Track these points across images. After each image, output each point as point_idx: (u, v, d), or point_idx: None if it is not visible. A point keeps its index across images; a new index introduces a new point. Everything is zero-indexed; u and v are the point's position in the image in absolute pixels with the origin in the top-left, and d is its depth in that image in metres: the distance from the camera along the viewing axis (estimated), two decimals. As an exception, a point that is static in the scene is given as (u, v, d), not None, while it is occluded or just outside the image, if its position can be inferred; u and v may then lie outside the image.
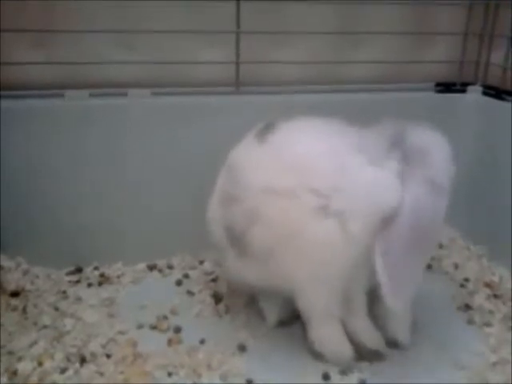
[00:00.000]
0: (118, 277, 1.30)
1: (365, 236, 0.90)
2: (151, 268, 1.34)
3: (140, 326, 1.12)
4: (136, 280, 1.29)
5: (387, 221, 0.90)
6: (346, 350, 1.01)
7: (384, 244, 0.90)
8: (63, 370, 0.97)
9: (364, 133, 0.98)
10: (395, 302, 0.90)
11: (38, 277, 1.25)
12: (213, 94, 1.34)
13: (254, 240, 0.95)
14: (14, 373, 0.96)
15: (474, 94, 1.46)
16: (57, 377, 0.96)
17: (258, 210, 0.94)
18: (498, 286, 1.27)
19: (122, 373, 0.98)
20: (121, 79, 1.32)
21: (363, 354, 1.02)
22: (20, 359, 0.99)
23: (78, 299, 1.19)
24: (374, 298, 1.01)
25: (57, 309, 1.15)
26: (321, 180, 0.92)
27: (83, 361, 1.00)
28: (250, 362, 1.02)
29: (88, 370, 0.98)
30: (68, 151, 1.25)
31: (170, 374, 0.98)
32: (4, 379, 0.94)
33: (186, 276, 1.31)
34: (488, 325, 1.14)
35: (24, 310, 1.13)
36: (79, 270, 1.30)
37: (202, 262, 1.36)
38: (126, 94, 1.28)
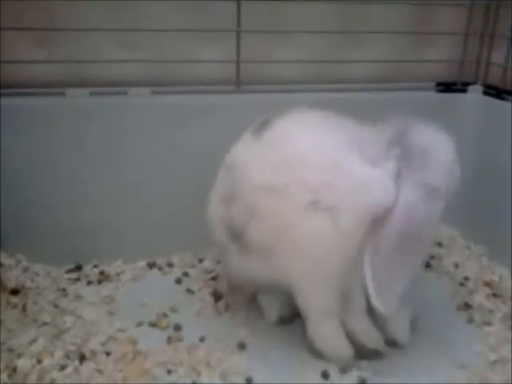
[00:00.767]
0: (118, 274, 1.30)
1: (356, 232, 0.90)
2: (151, 266, 1.34)
3: (140, 324, 1.12)
4: (136, 278, 1.29)
5: (378, 221, 0.90)
6: (345, 349, 1.01)
7: (373, 245, 0.90)
8: (62, 368, 0.97)
9: (364, 129, 0.98)
10: (379, 303, 0.90)
11: (37, 274, 1.25)
12: (213, 93, 1.34)
13: (252, 236, 0.95)
14: (14, 370, 0.96)
15: (475, 93, 1.46)
16: (56, 374, 0.96)
17: (256, 206, 0.94)
18: (497, 285, 1.27)
19: (121, 370, 0.98)
20: (121, 78, 1.32)
21: (362, 353, 1.02)
22: (19, 356, 0.99)
23: (78, 297, 1.19)
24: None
25: (56, 306, 1.15)
26: (312, 175, 0.92)
27: (83, 358, 1.00)
28: (250, 360, 1.02)
29: (87, 367, 0.98)
30: (68, 149, 1.25)
31: (169, 372, 0.98)
32: (4, 376, 0.94)
33: (186, 274, 1.31)
34: (488, 324, 1.14)
35: (24, 308, 1.13)
36: (79, 268, 1.30)
37: (201, 260, 1.36)
38: (126, 93, 1.29)
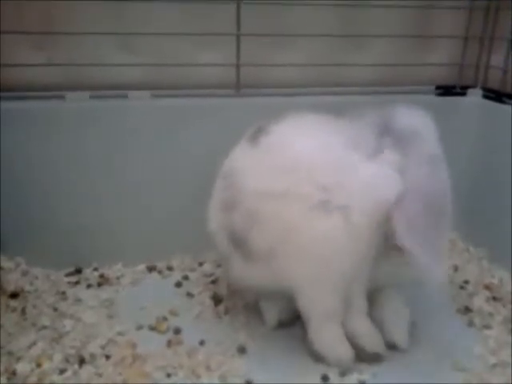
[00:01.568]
0: (118, 278, 1.30)
1: (367, 230, 0.91)
2: (151, 269, 1.34)
3: (139, 327, 1.12)
4: (135, 281, 1.29)
5: (388, 215, 0.90)
6: (345, 352, 1.01)
7: (404, 226, 0.89)
8: (62, 371, 0.97)
9: (353, 125, 0.99)
10: (433, 271, 0.89)
11: (37, 278, 1.25)
12: (213, 97, 1.34)
13: (255, 242, 0.95)
14: (13, 373, 0.95)
15: (474, 96, 1.47)
16: (55, 378, 0.96)
17: (257, 211, 0.94)
18: (497, 288, 1.27)
19: (120, 374, 0.98)
20: (121, 81, 1.32)
21: (363, 356, 1.02)
22: (19, 360, 0.99)
23: (78, 300, 1.19)
24: (372, 299, 1.02)
25: (56, 310, 1.15)
26: (321, 175, 0.92)
27: (82, 362, 1.00)
28: (250, 364, 1.02)
29: (87, 371, 0.98)
30: (68, 152, 1.25)
31: (169, 376, 0.98)
32: (3, 380, 0.94)
33: (186, 277, 1.31)
34: (488, 327, 1.14)
35: (23, 311, 1.13)
36: (79, 271, 1.30)
37: (201, 264, 1.36)
38: (126, 96, 1.29)
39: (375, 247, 0.94)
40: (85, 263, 1.32)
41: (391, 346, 1.05)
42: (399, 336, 1.05)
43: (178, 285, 1.28)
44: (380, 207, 0.91)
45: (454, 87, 1.50)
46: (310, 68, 1.42)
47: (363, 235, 0.92)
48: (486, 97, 1.44)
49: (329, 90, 1.42)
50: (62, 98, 1.25)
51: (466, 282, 1.31)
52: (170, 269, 1.35)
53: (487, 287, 1.27)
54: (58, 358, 1.00)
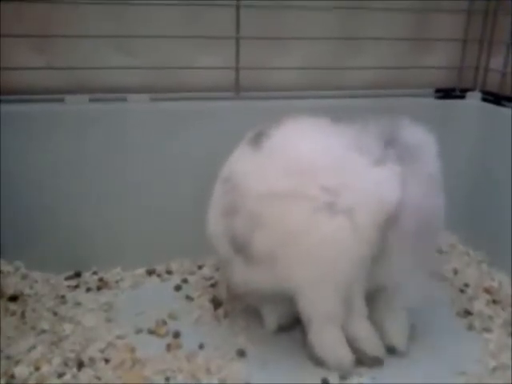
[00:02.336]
0: (117, 281, 1.29)
1: (372, 232, 0.91)
2: (150, 273, 1.34)
3: (139, 331, 1.12)
4: (135, 285, 1.29)
5: (390, 219, 0.91)
6: (345, 355, 1.00)
7: (394, 242, 0.91)
8: (61, 375, 0.97)
9: (357, 132, 0.99)
10: (410, 297, 0.92)
11: (36, 281, 1.24)
12: (212, 99, 1.34)
13: (258, 245, 0.95)
14: (12, 377, 0.95)
15: (474, 99, 1.47)
16: (54, 381, 0.95)
17: (261, 214, 0.94)
18: (497, 291, 1.27)
19: (120, 378, 0.97)
20: (120, 84, 1.32)
21: (363, 360, 1.02)
22: (17, 363, 0.98)
23: (77, 304, 1.19)
24: (371, 302, 1.01)
25: (55, 313, 1.15)
26: (326, 177, 0.92)
27: (81, 365, 0.99)
28: (249, 367, 1.02)
29: (86, 374, 0.97)
30: (68, 155, 1.25)
31: (168, 379, 0.98)
32: (2, 383, 0.94)
33: (185, 281, 1.31)
34: (488, 330, 1.14)
35: (22, 315, 1.13)
36: (78, 275, 1.30)
37: (200, 267, 1.36)
38: (125, 99, 1.29)
39: (376, 248, 0.94)
40: (84, 267, 1.31)
41: (390, 350, 1.04)
42: (399, 339, 1.05)
43: (178, 288, 1.28)
44: (384, 209, 0.91)
45: (453, 90, 1.50)
46: (309, 71, 1.42)
47: (367, 236, 0.92)
48: (485, 100, 1.44)
49: (328, 93, 1.43)
50: (61, 100, 1.25)
51: (466, 285, 1.31)
52: (169, 272, 1.35)
53: (487, 290, 1.27)
54: (56, 361, 1.00)
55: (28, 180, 1.24)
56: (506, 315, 1.18)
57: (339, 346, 1.00)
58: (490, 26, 1.45)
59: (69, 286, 1.26)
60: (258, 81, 1.39)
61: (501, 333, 1.13)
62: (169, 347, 1.07)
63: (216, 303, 1.21)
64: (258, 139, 1.00)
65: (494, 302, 1.23)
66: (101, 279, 1.29)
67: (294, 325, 1.10)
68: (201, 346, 1.07)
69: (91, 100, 1.27)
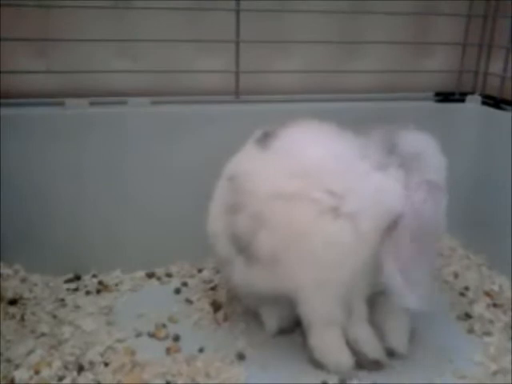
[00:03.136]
0: (117, 285, 1.29)
1: (374, 237, 0.91)
2: (150, 276, 1.34)
3: (138, 334, 1.12)
4: (134, 288, 1.29)
5: (392, 225, 0.91)
6: (345, 359, 1.00)
7: (393, 249, 0.90)
8: (60, 379, 0.96)
9: (362, 138, 0.99)
10: (410, 301, 0.90)
11: (36, 284, 1.24)
12: (212, 103, 1.34)
13: (260, 246, 0.95)
14: (11, 381, 0.95)
15: (473, 103, 1.47)
16: (54, 385, 0.95)
17: (266, 215, 0.94)
18: (497, 295, 1.27)
19: (119, 381, 0.97)
20: (121, 88, 1.32)
21: (363, 363, 1.02)
22: (17, 367, 0.98)
23: (77, 307, 1.19)
24: (371, 305, 1.01)
25: (55, 317, 1.15)
26: (332, 181, 0.93)
27: (81, 369, 0.99)
28: (249, 371, 1.02)
29: (86, 378, 0.97)
30: (68, 159, 1.25)
31: (168, 383, 0.97)
32: (1, 387, 0.94)
33: (185, 284, 1.31)
34: (488, 334, 1.14)
35: (22, 318, 1.13)
36: (78, 278, 1.30)
37: (200, 271, 1.36)
38: (125, 103, 1.29)
39: (378, 254, 0.94)
40: (84, 270, 1.31)
41: (391, 353, 1.04)
42: (399, 342, 1.04)
43: (177, 291, 1.28)
44: (387, 214, 0.91)
45: (452, 94, 1.50)
46: (308, 75, 1.43)
47: (369, 241, 0.92)
48: (484, 103, 1.44)
49: (328, 96, 1.43)
50: (61, 104, 1.25)
51: (466, 288, 1.30)
52: (169, 275, 1.34)
53: (487, 294, 1.27)
54: (56, 365, 0.99)
55: (28, 183, 1.24)
56: (506, 319, 1.18)
57: (339, 348, 1.00)
58: (490, 30, 1.45)
59: (68, 289, 1.26)
60: (258, 84, 1.40)
61: (501, 336, 1.13)
62: (168, 350, 1.07)
63: (216, 306, 1.21)
64: (265, 139, 1.00)
65: (495, 305, 1.23)
66: (100, 282, 1.29)
67: (293, 328, 1.10)
68: (200, 350, 1.07)
69: (91, 104, 1.27)
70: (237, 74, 1.34)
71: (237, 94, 1.35)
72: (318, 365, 1.01)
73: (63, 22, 1.25)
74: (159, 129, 1.29)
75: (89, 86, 1.31)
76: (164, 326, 1.15)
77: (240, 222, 0.97)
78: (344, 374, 1.00)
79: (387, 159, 0.95)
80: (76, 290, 1.26)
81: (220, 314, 1.18)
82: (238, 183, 0.99)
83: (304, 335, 1.03)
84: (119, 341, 1.09)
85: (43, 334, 1.08)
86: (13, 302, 1.17)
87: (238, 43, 1.31)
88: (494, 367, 1.04)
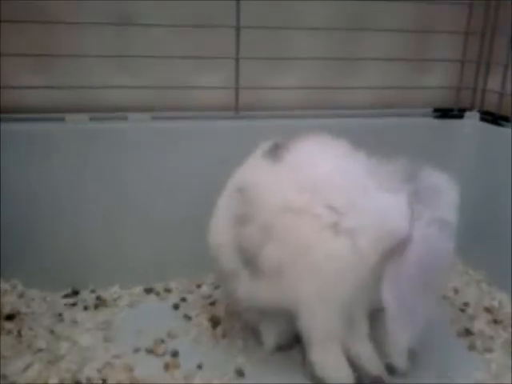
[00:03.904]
0: (115, 300, 1.29)
1: (374, 256, 0.91)
2: (148, 291, 1.33)
3: (136, 350, 1.11)
4: (133, 303, 1.28)
5: (394, 247, 0.90)
6: (346, 375, 0.99)
7: (392, 280, 0.90)
8: (57, 395, 0.96)
9: (375, 162, 0.99)
10: (401, 337, 0.91)
11: (33, 299, 1.24)
12: (212, 119, 1.35)
13: (267, 258, 0.95)
14: (8, 397, 0.94)
15: (472, 119, 1.48)
16: (51, 401, 0.94)
17: (274, 227, 0.94)
18: (497, 311, 1.26)
19: (117, 398, 0.96)
20: (121, 103, 1.33)
21: (364, 379, 1.01)
22: (14, 383, 0.97)
23: (74, 322, 1.18)
24: (372, 321, 1.00)
25: (52, 332, 1.14)
26: (336, 197, 0.93)
27: (78, 385, 0.98)
28: (248, 388, 1.01)
29: (83, 394, 0.97)
30: (67, 175, 1.25)
31: (165, 399, 0.97)
32: (-3, 403, 0.93)
33: (184, 300, 1.30)
34: (489, 350, 1.13)
35: (19, 334, 1.11)
36: (75, 293, 1.29)
37: (199, 286, 1.35)
38: (126, 118, 1.30)
39: (379, 273, 0.93)
40: (82, 285, 1.31)
41: (391, 369, 1.03)
42: (399, 359, 1.03)
43: (176, 307, 1.27)
44: (389, 236, 0.91)
45: (451, 110, 1.51)
46: (308, 91, 1.43)
47: (368, 259, 0.91)
48: (483, 119, 1.45)
49: (327, 112, 1.43)
50: (62, 119, 1.26)
51: (466, 304, 1.30)
52: (167, 291, 1.34)
53: (487, 310, 1.27)
54: (53, 381, 0.98)
55: (27, 198, 1.24)
56: (506, 335, 1.17)
57: (339, 365, 0.99)
58: (488, 47, 1.47)
59: (66, 305, 1.25)
60: (258, 100, 1.41)
61: (502, 353, 1.12)
62: (167, 367, 1.06)
63: (214, 322, 1.20)
64: (275, 152, 1.00)
65: (495, 321, 1.23)
66: (98, 297, 1.29)
67: (292, 344, 1.09)
68: (199, 366, 1.06)
69: (92, 119, 1.27)
70: (236, 89, 1.34)
71: (236, 109, 1.36)
72: (318, 381, 1.00)
73: (64, 38, 1.26)
74: (159, 144, 1.29)
75: (89, 101, 1.31)
76: (162, 341, 1.14)
77: (248, 233, 0.97)
78: (344, 390, 0.99)
79: (400, 185, 0.94)
80: (74, 305, 1.25)
81: (219, 330, 1.17)
82: (248, 194, 0.99)
83: (303, 352, 1.02)
84: (117, 356, 1.08)
85: (40, 350, 1.07)
86: (10, 317, 1.16)
87: (237, 59, 1.32)
88: (495, 384, 1.03)
